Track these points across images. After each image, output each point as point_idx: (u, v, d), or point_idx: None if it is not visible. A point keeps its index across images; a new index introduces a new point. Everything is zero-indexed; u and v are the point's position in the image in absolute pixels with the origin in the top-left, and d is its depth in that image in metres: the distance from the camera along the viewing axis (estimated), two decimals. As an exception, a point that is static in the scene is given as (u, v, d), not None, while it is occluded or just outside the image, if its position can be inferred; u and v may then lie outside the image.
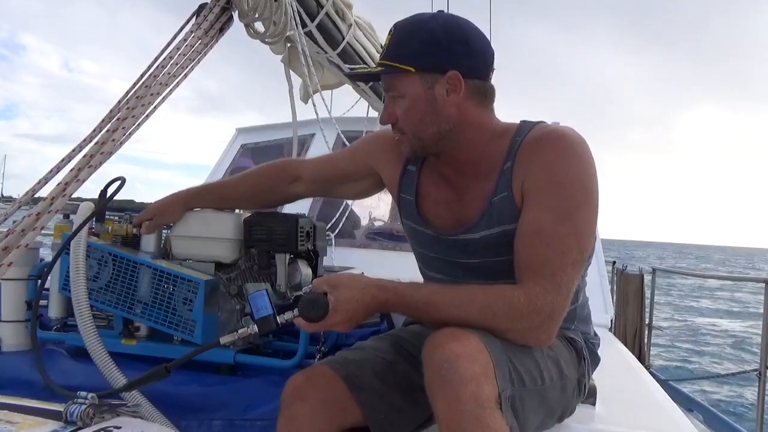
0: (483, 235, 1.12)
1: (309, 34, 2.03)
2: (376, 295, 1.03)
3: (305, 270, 1.48)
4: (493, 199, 1.12)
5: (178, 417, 1.20)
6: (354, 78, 1.17)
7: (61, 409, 1.03)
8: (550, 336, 1.05)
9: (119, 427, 1.03)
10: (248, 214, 1.47)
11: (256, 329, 1.03)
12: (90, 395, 1.06)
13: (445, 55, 1.09)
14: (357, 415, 1.12)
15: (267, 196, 1.48)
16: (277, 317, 1.02)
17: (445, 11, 1.20)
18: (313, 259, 1.51)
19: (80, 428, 1.01)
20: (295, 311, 1.01)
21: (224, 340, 1.07)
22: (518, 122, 1.18)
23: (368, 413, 1.12)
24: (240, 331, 1.05)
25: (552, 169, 1.07)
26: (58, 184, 1.18)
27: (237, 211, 1.52)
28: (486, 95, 1.14)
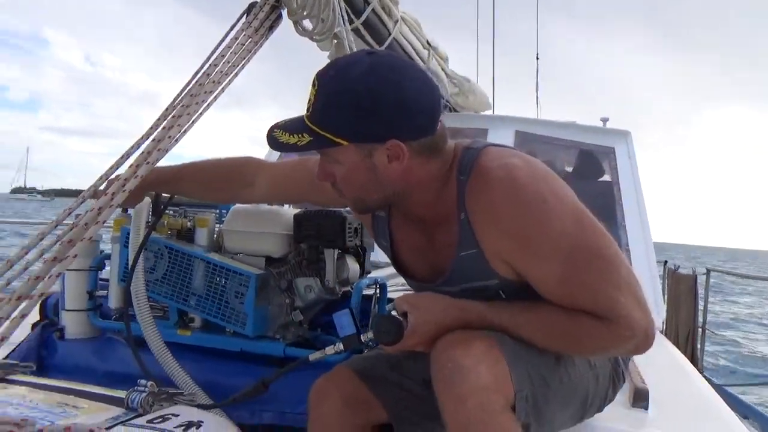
0: (462, 288, 1.06)
1: (356, 31, 2.05)
2: (458, 317, 1.01)
3: (353, 265, 1.49)
4: (460, 253, 1.04)
5: (230, 407, 1.23)
6: (277, 149, 1.06)
7: (123, 396, 1.08)
8: (649, 347, 1.00)
9: (177, 415, 1.07)
10: (297, 210, 1.50)
11: (342, 347, 1.07)
12: (149, 383, 1.10)
13: (382, 125, 0.96)
14: (381, 410, 1.15)
15: (217, 193, 1.44)
16: (361, 336, 1.05)
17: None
18: (361, 254, 1.53)
19: (140, 415, 1.05)
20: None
21: (313, 357, 1.12)
22: (458, 150, 1.06)
23: (385, 403, 1.15)
24: (327, 348, 1.10)
25: (517, 223, 0.97)
26: (118, 180, 1.23)
27: (286, 206, 1.55)
28: (435, 148, 1.02)
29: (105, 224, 1.17)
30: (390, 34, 2.23)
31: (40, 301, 1.29)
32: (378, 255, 1.49)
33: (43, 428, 0.87)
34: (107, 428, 0.96)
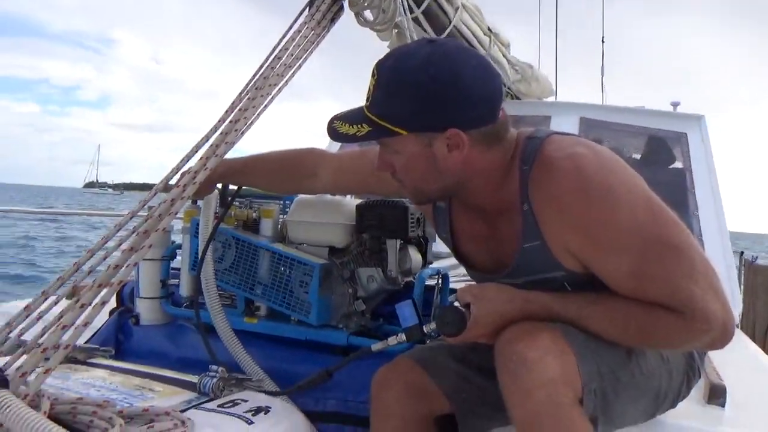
0: (525, 281, 1.04)
1: (416, 20, 2.03)
2: (523, 308, 0.99)
3: (415, 256, 1.49)
4: (524, 245, 1.02)
5: (295, 394, 1.26)
6: (337, 140, 1.05)
7: (195, 381, 1.12)
8: (727, 341, 0.95)
9: (246, 400, 1.11)
10: (360, 200, 1.51)
11: (404, 338, 1.06)
12: (220, 369, 1.14)
13: (441, 114, 0.95)
14: (443, 400, 1.14)
15: (280, 184, 1.47)
16: (424, 327, 1.04)
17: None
18: (423, 245, 1.52)
19: (212, 399, 1.10)
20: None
21: (375, 347, 1.11)
22: (520, 139, 1.04)
23: (448, 393, 1.13)
24: (389, 339, 1.09)
25: (583, 214, 0.93)
26: (189, 173, 1.27)
27: (348, 196, 1.56)
28: (496, 136, 1.00)
29: (176, 216, 1.21)
30: (451, 22, 2.20)
31: (118, 289, 1.36)
32: (440, 245, 1.48)
33: (123, 410, 0.92)
34: (181, 411, 1.00)
